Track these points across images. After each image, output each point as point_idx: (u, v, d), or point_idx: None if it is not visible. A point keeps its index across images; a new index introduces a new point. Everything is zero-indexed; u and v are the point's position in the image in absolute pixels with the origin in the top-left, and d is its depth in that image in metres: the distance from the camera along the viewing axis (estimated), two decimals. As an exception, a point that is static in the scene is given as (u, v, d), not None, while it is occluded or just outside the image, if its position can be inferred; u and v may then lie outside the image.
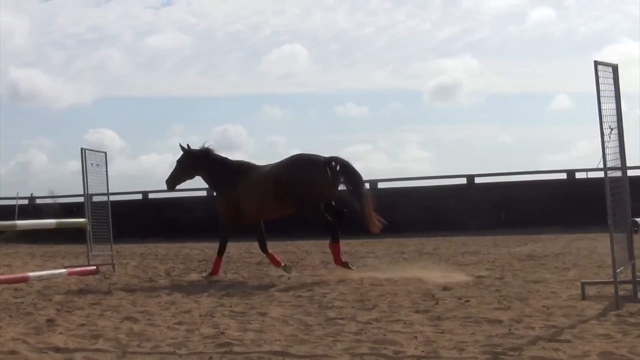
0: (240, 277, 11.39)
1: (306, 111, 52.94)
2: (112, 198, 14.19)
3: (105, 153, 13.40)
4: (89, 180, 13.45)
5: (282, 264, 11.33)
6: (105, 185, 13.56)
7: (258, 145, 48.64)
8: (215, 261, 11.38)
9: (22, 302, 8.92)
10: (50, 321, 7.36)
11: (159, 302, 8.64)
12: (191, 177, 12.06)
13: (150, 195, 26.04)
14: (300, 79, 51.63)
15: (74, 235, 21.35)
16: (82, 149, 13.39)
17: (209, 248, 19.01)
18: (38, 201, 26.88)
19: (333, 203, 10.98)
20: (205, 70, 54.48)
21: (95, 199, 13.97)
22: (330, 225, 10.74)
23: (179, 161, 11.94)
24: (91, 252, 13.46)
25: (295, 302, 8.36)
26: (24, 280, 11.56)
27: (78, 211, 20.27)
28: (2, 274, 12.88)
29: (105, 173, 13.79)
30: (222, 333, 6.51)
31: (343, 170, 10.87)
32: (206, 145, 11.77)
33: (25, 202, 26.46)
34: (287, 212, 11.30)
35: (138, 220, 24.04)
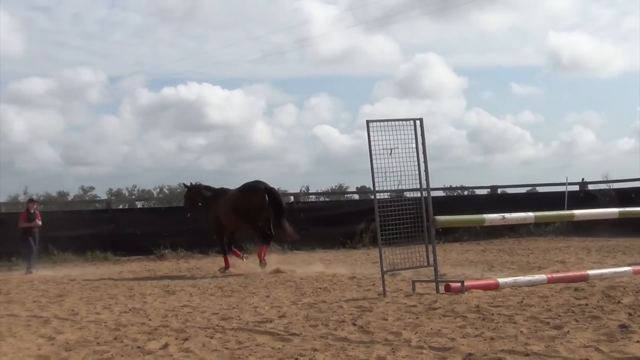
0: None
1: None
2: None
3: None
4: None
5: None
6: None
7: None
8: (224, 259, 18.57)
9: (587, 304, 9.38)
10: (624, 327, 7.63)
11: None
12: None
13: None
14: None
15: (633, 227, 21.50)
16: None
17: None
18: (590, 187, 27.50)
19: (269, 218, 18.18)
20: None
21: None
22: (266, 235, 18.08)
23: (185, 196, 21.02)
24: (658, 247, 13.46)
25: None
26: (584, 278, 12.10)
27: (637, 198, 20.34)
28: (558, 271, 13.63)
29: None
30: None
31: (270, 197, 17.79)
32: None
33: (576, 188, 27.30)
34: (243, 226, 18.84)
35: None
